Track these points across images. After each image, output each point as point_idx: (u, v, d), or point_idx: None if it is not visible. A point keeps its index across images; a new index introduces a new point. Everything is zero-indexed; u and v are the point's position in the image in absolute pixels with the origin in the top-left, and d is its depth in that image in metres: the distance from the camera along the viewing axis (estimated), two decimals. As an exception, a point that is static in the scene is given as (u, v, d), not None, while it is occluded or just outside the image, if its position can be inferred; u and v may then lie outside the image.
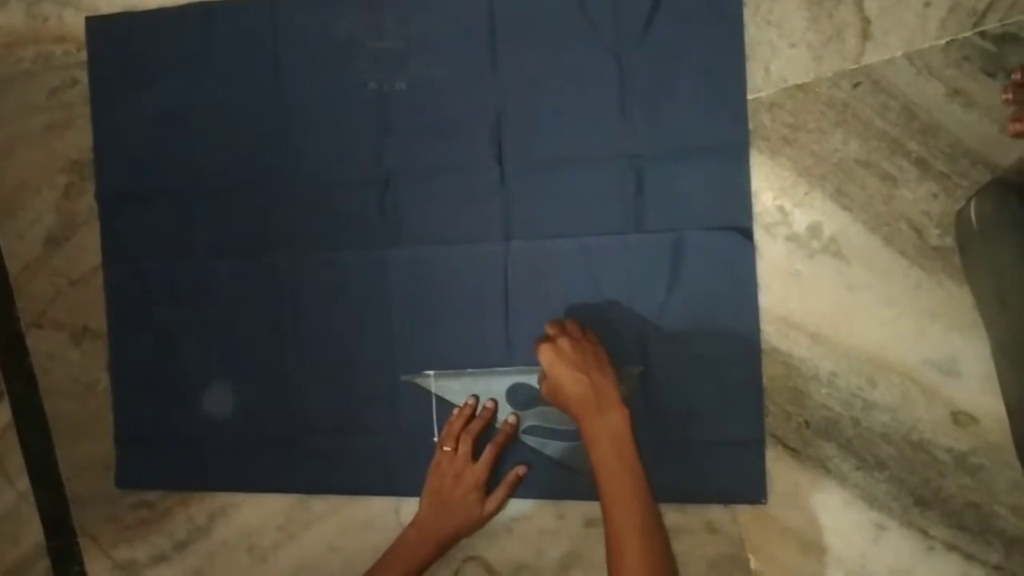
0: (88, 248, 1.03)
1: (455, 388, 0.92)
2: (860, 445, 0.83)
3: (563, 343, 0.79)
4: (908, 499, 0.83)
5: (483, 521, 0.88)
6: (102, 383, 1.04)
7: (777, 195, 0.84)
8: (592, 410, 0.76)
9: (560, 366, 0.78)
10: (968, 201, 0.73)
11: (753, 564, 0.87)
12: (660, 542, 0.72)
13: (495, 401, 0.92)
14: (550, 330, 0.82)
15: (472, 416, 0.91)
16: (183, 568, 1.04)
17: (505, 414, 0.91)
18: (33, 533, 1.09)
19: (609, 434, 0.75)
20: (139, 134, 1.00)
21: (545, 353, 0.79)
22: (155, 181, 1.00)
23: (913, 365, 0.82)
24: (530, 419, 0.90)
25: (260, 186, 0.97)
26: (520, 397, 0.91)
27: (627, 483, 0.73)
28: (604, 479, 0.74)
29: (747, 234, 0.84)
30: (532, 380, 0.90)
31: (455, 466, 0.88)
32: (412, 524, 0.89)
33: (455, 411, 0.92)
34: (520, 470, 0.90)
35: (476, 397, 0.92)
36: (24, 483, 1.08)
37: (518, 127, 0.90)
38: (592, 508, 0.90)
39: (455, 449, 0.88)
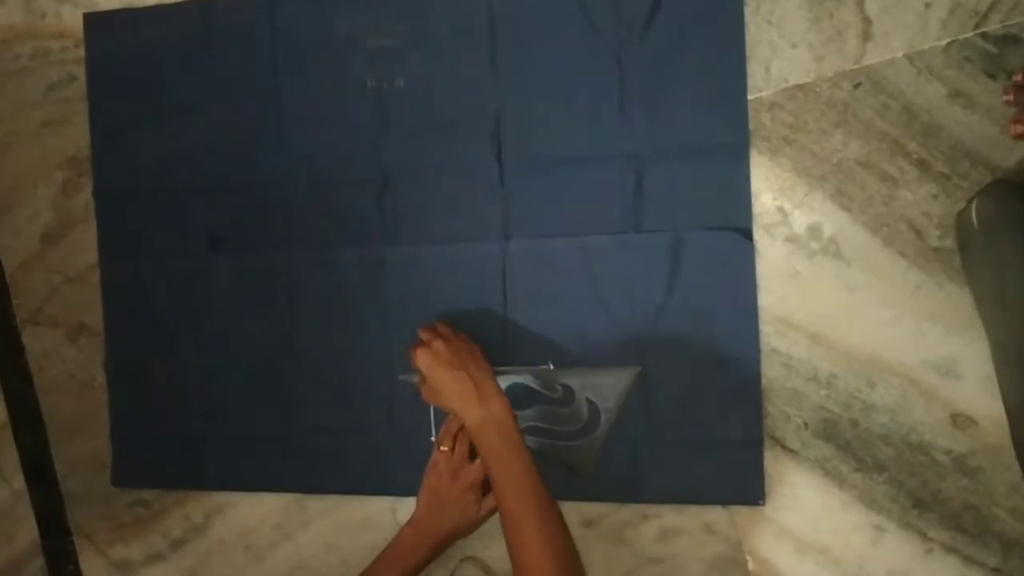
0: (85, 245, 1.03)
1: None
2: (859, 446, 0.83)
3: (438, 345, 0.82)
4: (907, 501, 0.83)
5: (480, 521, 0.88)
6: (98, 380, 1.04)
7: (777, 195, 0.84)
8: (473, 402, 0.80)
9: (438, 368, 0.81)
10: (969, 202, 0.72)
11: (751, 565, 0.87)
12: (556, 522, 0.76)
13: None
14: (424, 335, 0.84)
15: None
16: (179, 567, 1.04)
17: None
18: (28, 531, 1.08)
19: (493, 422, 0.79)
20: (137, 131, 1.00)
21: (422, 358, 0.82)
22: (152, 178, 1.00)
23: (912, 366, 0.82)
24: (529, 419, 0.90)
25: (258, 184, 0.96)
26: (519, 397, 0.90)
27: (516, 466, 0.77)
28: (493, 465, 0.78)
29: (747, 234, 0.84)
30: (531, 380, 0.89)
31: (452, 465, 0.87)
32: (409, 523, 0.88)
33: None
34: None
35: None
36: (19, 481, 1.08)
37: (517, 126, 0.90)
38: (590, 509, 0.90)
39: (452, 448, 0.88)
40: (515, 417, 0.80)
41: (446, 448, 0.88)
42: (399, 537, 0.87)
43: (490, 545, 0.93)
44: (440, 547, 0.87)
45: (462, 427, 0.89)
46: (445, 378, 0.81)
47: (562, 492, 0.89)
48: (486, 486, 0.87)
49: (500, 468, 0.78)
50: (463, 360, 0.81)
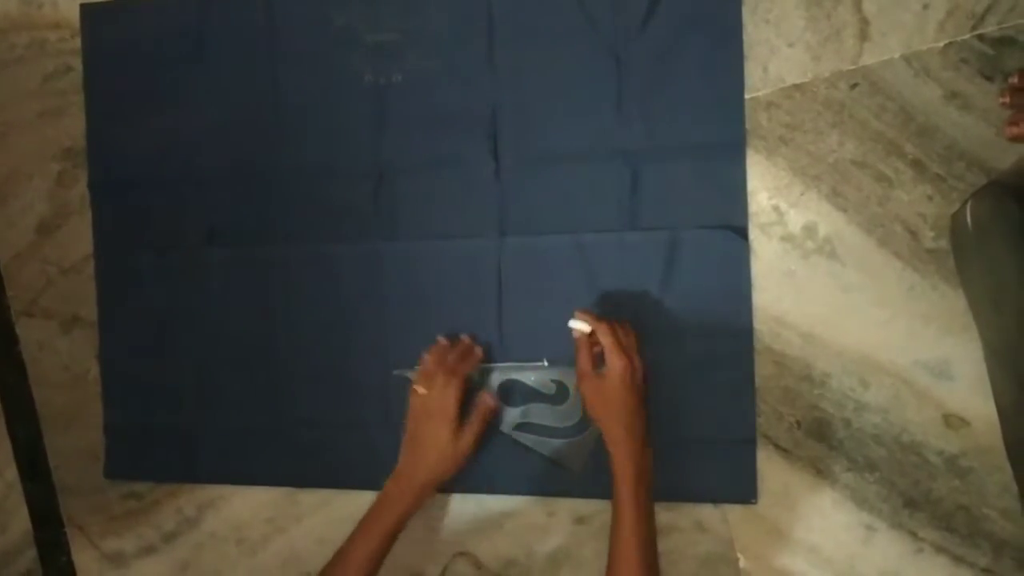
0: (80, 237, 1.03)
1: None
2: (851, 446, 0.83)
3: (639, 367, 0.80)
4: (898, 501, 0.83)
5: (459, 458, 0.86)
6: (92, 373, 1.04)
7: (772, 195, 0.84)
8: (638, 447, 0.79)
9: (630, 393, 0.79)
10: (964, 203, 0.72)
11: (742, 563, 0.87)
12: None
13: (473, 336, 0.91)
14: (623, 336, 0.80)
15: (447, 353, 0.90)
16: (171, 560, 1.04)
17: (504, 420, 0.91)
18: (20, 523, 1.08)
19: (645, 473, 0.78)
20: (133, 123, 1.00)
21: (622, 374, 0.78)
22: (148, 170, 1.00)
23: (905, 367, 0.82)
24: (522, 416, 0.90)
25: (254, 177, 0.96)
26: (512, 394, 0.90)
27: (650, 523, 0.78)
28: (630, 514, 0.77)
29: (742, 233, 0.84)
30: (524, 376, 0.89)
31: (427, 404, 0.86)
32: (392, 477, 0.87)
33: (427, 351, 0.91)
34: (488, 399, 0.89)
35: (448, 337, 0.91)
36: (12, 472, 1.07)
37: (514, 122, 0.90)
38: (582, 505, 0.90)
39: (428, 388, 0.87)
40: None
41: (423, 390, 0.87)
42: (383, 493, 0.86)
43: (483, 541, 0.93)
44: (423, 494, 0.85)
45: (441, 366, 0.87)
46: (628, 407, 0.79)
47: (552, 489, 0.90)
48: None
49: (634, 517, 0.76)
50: (645, 398, 0.81)
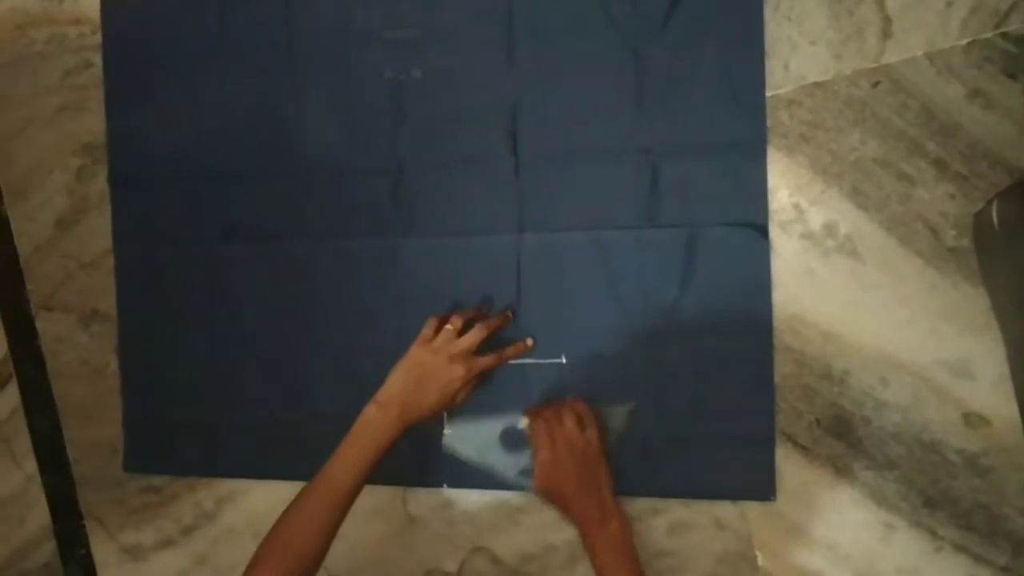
0: (99, 231, 1.03)
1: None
2: (870, 444, 0.83)
3: (562, 453, 0.81)
4: (917, 499, 0.83)
5: (457, 404, 0.86)
6: (111, 367, 1.04)
7: (793, 193, 0.84)
8: (595, 522, 0.79)
9: (561, 479, 0.81)
10: (989, 203, 0.72)
11: (761, 561, 0.87)
12: None
13: (513, 310, 0.91)
14: (550, 418, 0.83)
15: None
16: (189, 553, 1.04)
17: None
18: (40, 515, 1.09)
19: (612, 544, 0.79)
20: (152, 118, 1.00)
21: (544, 465, 0.81)
22: (167, 166, 1.00)
23: (926, 365, 0.82)
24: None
25: (273, 172, 0.97)
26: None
27: None
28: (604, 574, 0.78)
29: (762, 231, 0.84)
30: (521, 422, 0.90)
31: (452, 348, 0.84)
32: (375, 403, 0.83)
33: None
34: (529, 341, 0.90)
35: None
36: (31, 465, 1.08)
37: (534, 119, 0.90)
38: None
39: (459, 331, 0.86)
40: (631, 534, 0.81)
41: (453, 328, 0.86)
42: (363, 419, 0.82)
43: (499, 536, 0.93)
44: (408, 422, 0.83)
45: (480, 320, 0.88)
46: (566, 492, 0.80)
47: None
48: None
49: None
50: (589, 472, 0.81)
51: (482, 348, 0.86)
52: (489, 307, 0.91)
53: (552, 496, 0.83)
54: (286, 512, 0.79)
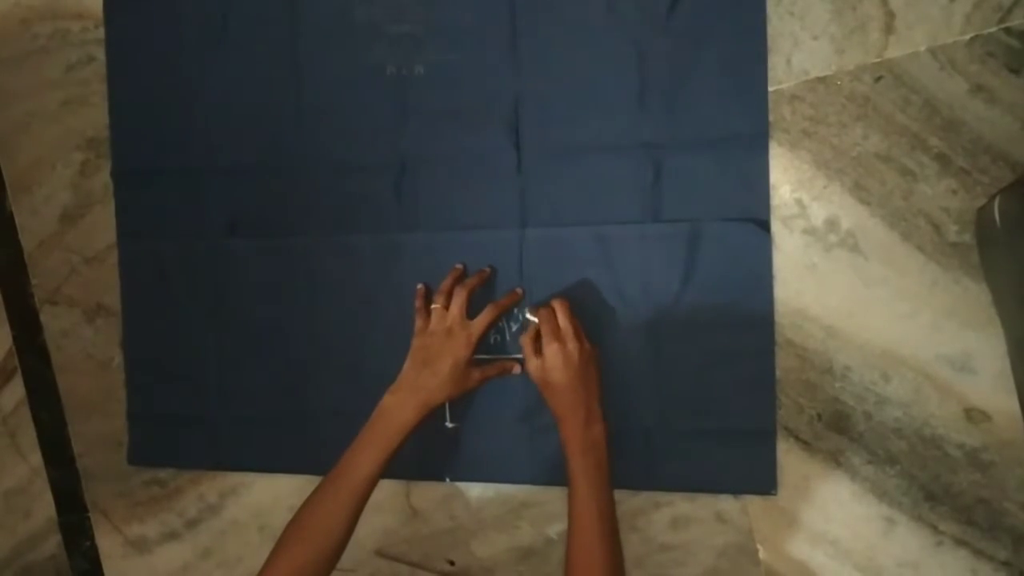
0: (103, 226, 1.03)
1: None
2: (872, 439, 0.84)
3: (572, 350, 0.81)
4: (918, 494, 0.83)
5: (469, 380, 0.86)
6: (115, 360, 1.05)
7: (795, 188, 0.84)
8: (580, 421, 0.80)
9: (565, 373, 0.80)
10: (991, 198, 0.72)
11: (762, 555, 0.88)
12: (620, 553, 0.77)
13: (492, 267, 0.91)
14: (561, 321, 0.82)
15: (463, 277, 0.90)
16: (193, 545, 1.05)
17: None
18: (45, 508, 1.10)
19: (592, 446, 0.79)
20: (155, 112, 1.00)
21: (554, 354, 0.81)
22: (171, 160, 1.00)
23: (927, 361, 0.82)
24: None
25: (276, 167, 0.97)
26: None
27: (602, 492, 0.78)
28: (581, 485, 0.78)
29: (764, 226, 0.84)
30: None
31: (445, 323, 0.86)
32: (391, 391, 0.85)
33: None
34: (519, 290, 0.90)
35: (464, 264, 0.92)
36: (37, 458, 1.09)
37: (536, 113, 0.89)
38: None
39: (446, 306, 0.87)
40: (611, 445, 0.81)
41: (439, 305, 0.87)
42: (381, 407, 0.84)
43: (502, 529, 0.94)
44: (425, 409, 0.83)
45: (458, 285, 0.88)
46: (565, 385, 0.80)
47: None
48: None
49: (586, 488, 0.77)
50: (586, 376, 0.81)
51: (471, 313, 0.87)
52: (465, 268, 0.92)
53: (547, 385, 0.82)
54: (308, 500, 0.80)
